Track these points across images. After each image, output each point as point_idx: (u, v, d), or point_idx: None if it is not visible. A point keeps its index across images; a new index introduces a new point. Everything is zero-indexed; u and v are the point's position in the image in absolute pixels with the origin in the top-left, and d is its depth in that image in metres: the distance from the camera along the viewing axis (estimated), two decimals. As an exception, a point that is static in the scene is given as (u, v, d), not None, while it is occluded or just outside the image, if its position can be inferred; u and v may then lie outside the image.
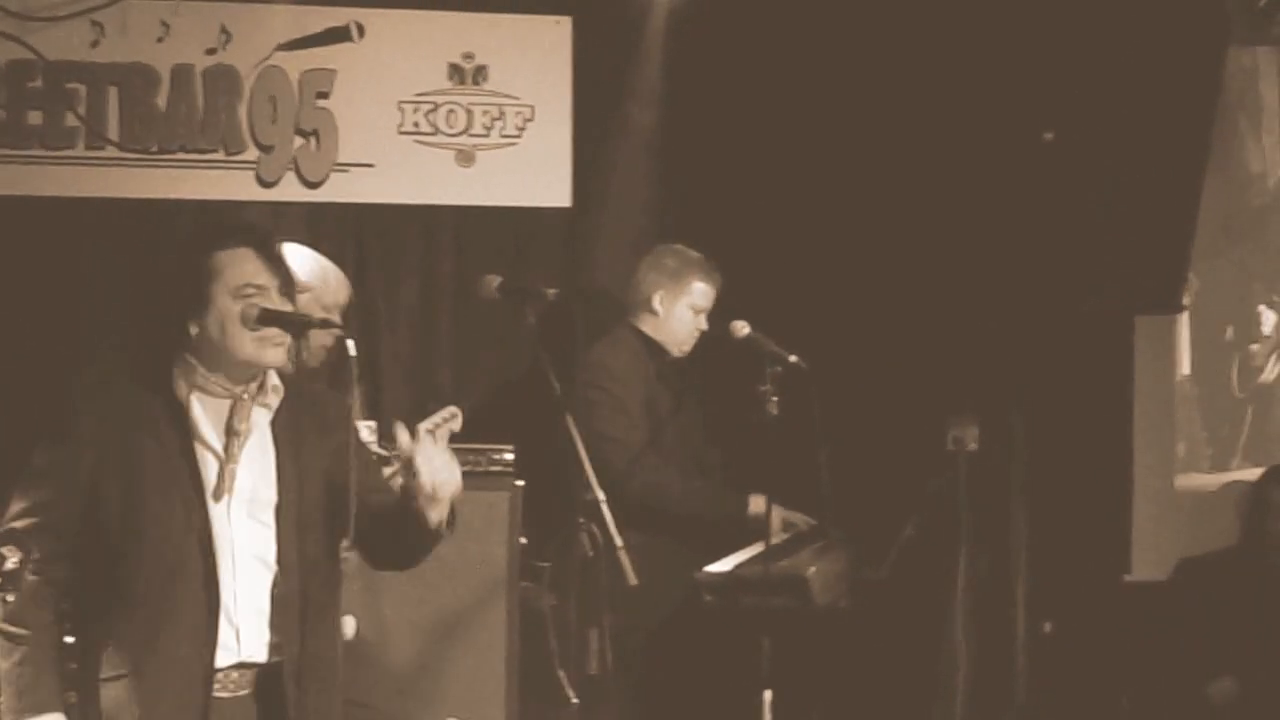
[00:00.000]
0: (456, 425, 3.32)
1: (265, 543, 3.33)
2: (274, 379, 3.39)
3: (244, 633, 3.29)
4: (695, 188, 5.59)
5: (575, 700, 4.46)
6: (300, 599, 3.27)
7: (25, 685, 3.23)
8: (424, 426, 3.28)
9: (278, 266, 3.36)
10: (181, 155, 5.39)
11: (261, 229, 3.44)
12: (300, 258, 4.21)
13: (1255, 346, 6.05)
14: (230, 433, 3.33)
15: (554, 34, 5.60)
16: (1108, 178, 5.50)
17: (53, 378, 4.88)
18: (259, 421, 3.36)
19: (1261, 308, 6.03)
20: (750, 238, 5.49)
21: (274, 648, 3.30)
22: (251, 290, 3.31)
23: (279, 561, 3.31)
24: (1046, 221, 5.56)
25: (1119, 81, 5.46)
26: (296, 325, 3.32)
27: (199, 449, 3.32)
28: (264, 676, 3.30)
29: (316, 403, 3.41)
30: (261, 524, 3.32)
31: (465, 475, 4.40)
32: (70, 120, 5.32)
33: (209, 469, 3.31)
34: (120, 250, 5.26)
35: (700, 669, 5.01)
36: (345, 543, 3.39)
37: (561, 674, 4.53)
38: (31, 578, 3.26)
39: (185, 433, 3.30)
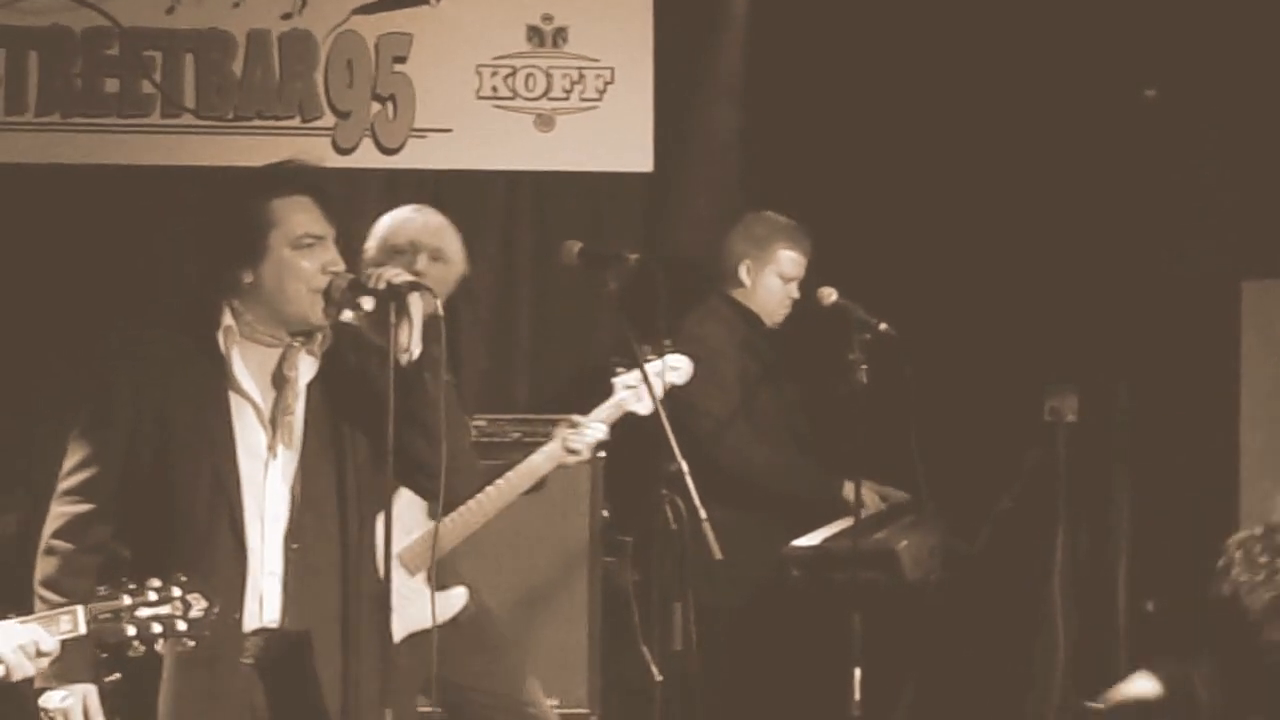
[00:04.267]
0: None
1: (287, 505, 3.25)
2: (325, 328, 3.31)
3: (267, 598, 3.23)
4: (782, 151, 5.50)
5: (659, 677, 4.37)
6: (318, 566, 3.22)
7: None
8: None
9: (332, 213, 3.29)
10: (258, 122, 5.38)
11: (317, 174, 3.37)
12: (449, 230, 4.25)
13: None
14: (281, 382, 3.25)
15: (635, -6, 5.52)
16: (1213, 136, 5.33)
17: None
18: (304, 373, 3.29)
19: (1375, 273, 5.82)
20: (840, 201, 5.39)
21: (287, 613, 3.23)
22: (310, 240, 3.25)
23: (294, 522, 3.24)
24: (1149, 182, 5.40)
25: (1224, 35, 5.28)
26: (390, 295, 3.21)
27: (235, 400, 3.25)
28: (279, 642, 3.24)
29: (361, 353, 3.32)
30: (288, 484, 3.25)
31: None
32: (146, 88, 5.32)
33: (246, 423, 3.24)
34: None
35: (788, 645, 4.94)
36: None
37: (645, 650, 4.48)
38: (67, 545, 3.22)
39: (222, 385, 3.24)
